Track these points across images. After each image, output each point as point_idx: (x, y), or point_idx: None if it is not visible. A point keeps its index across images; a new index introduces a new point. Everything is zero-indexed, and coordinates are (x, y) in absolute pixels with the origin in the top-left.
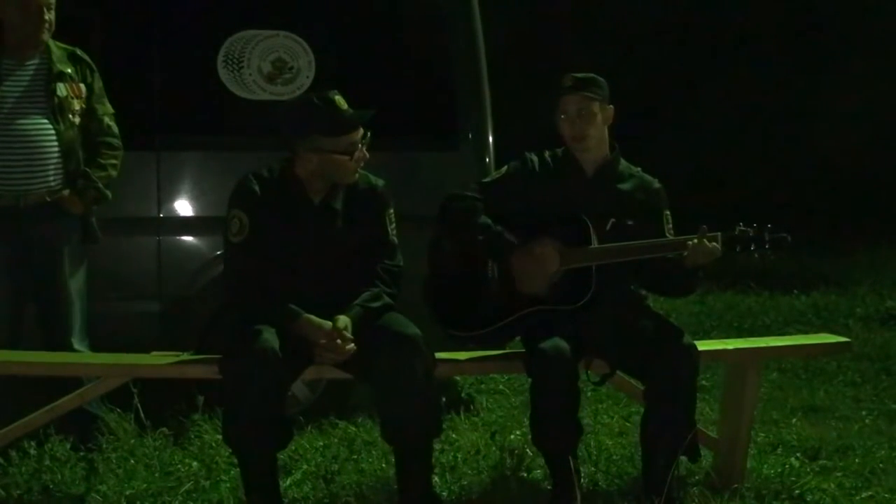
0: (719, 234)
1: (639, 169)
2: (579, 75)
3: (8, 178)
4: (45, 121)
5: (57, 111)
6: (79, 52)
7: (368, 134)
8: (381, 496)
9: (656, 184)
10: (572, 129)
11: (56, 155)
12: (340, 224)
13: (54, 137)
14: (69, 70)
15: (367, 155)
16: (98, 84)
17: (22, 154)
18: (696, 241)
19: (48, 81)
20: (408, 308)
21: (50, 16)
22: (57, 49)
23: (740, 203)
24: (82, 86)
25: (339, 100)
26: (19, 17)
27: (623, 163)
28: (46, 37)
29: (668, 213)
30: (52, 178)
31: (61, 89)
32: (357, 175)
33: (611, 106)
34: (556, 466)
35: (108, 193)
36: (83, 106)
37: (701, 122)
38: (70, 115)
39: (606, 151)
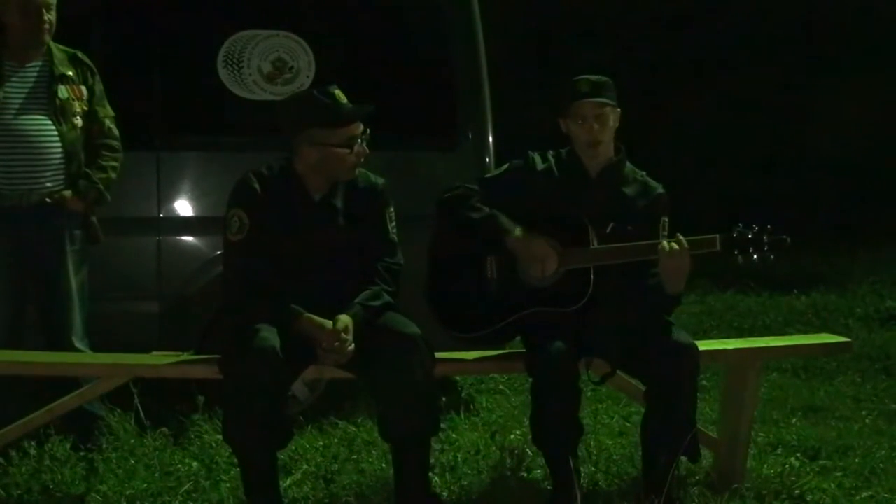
0: (717, 236)
1: (644, 173)
2: (594, 79)
3: (10, 178)
4: (48, 121)
5: (59, 113)
6: (80, 54)
7: (368, 130)
8: (381, 496)
9: (660, 189)
10: (590, 134)
11: (58, 155)
12: (341, 222)
13: (57, 138)
14: (70, 73)
15: (367, 150)
16: (99, 87)
17: (24, 154)
18: (664, 244)
19: (49, 83)
20: (407, 307)
21: (50, 16)
22: (58, 52)
23: (740, 203)
24: (83, 88)
25: (339, 94)
26: (20, 19)
27: (628, 166)
28: (47, 38)
29: (665, 219)
30: (54, 179)
31: (62, 91)
32: (357, 171)
33: (618, 109)
34: (556, 466)
35: (108, 196)
36: (84, 108)
37: (701, 121)
38: (72, 117)
39: (612, 153)
